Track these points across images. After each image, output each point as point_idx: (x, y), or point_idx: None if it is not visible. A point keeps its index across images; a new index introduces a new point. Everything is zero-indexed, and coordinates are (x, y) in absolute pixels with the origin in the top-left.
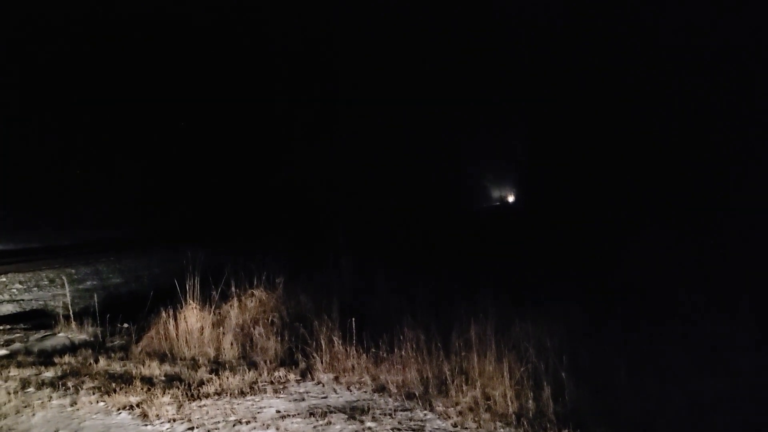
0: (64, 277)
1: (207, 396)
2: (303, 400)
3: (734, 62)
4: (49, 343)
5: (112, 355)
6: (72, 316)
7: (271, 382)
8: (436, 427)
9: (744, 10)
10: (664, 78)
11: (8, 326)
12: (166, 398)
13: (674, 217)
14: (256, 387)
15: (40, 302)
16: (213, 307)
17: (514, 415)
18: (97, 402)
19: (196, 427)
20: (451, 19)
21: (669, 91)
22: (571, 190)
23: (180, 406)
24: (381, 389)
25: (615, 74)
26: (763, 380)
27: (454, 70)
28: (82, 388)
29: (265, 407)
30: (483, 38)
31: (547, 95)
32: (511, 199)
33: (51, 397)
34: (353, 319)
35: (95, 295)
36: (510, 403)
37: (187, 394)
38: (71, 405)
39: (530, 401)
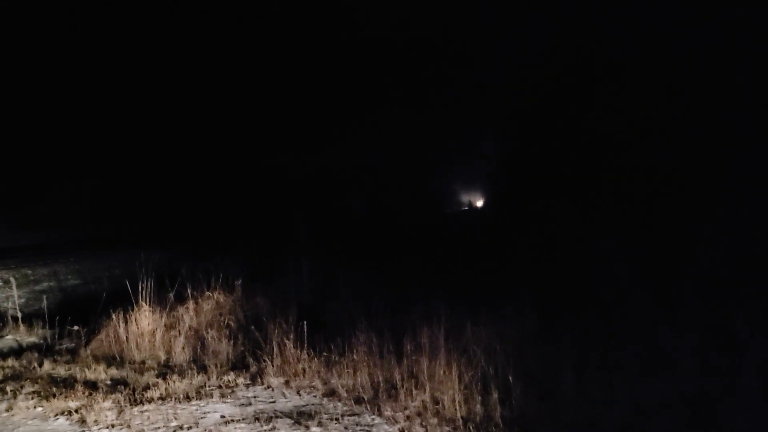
0: (11, 278)
1: (151, 401)
2: (250, 404)
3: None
4: None
5: (58, 358)
6: (21, 318)
7: (220, 387)
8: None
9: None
10: (631, 90)
11: None
12: (107, 403)
13: (629, 220)
14: (203, 391)
15: None
16: (168, 309)
17: (461, 420)
18: (35, 407)
19: None
20: (424, 30)
21: (632, 100)
22: (535, 194)
23: (121, 412)
24: (331, 393)
25: (585, 87)
26: (707, 382)
27: (426, 76)
28: (21, 393)
29: (209, 412)
30: (454, 49)
31: (517, 100)
32: (479, 203)
33: None
34: (305, 322)
35: (49, 297)
36: (458, 408)
37: (130, 398)
38: (7, 410)
39: (478, 405)
